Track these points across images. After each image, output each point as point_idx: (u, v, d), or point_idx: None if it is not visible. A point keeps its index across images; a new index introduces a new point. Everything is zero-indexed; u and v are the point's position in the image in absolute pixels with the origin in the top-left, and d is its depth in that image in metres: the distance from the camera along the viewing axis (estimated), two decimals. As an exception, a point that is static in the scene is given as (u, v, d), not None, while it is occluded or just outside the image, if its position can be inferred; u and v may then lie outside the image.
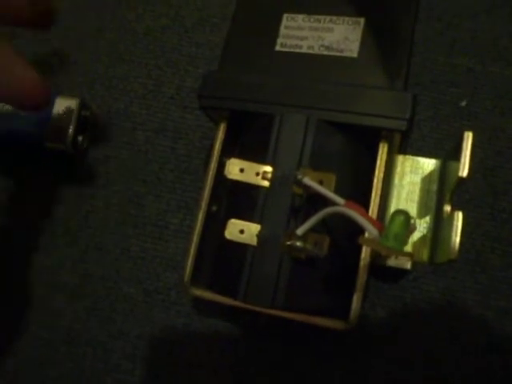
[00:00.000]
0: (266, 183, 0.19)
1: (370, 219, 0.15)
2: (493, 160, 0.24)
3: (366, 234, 0.16)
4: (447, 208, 0.17)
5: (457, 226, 0.15)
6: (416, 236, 0.19)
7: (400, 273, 0.23)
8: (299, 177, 0.18)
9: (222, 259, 0.20)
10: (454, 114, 0.25)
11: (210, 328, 0.23)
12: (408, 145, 0.23)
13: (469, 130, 0.17)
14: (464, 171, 0.15)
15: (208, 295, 0.20)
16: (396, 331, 0.22)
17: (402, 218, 0.14)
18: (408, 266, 0.21)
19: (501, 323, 0.22)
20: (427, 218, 0.19)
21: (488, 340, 0.22)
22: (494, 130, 0.24)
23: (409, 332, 0.22)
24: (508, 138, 0.24)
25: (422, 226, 0.19)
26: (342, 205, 0.16)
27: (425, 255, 0.18)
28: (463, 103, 0.25)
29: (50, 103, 0.19)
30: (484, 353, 0.22)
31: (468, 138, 0.16)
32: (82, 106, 0.25)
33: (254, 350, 0.23)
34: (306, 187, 0.18)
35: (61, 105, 0.25)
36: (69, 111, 0.25)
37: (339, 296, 0.19)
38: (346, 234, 0.18)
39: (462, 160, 0.15)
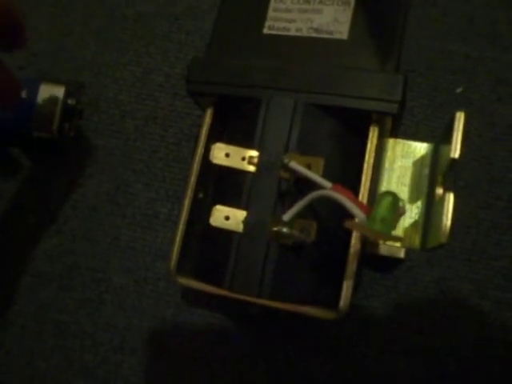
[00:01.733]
0: (252, 168, 0.18)
1: (357, 203, 0.15)
2: (489, 147, 0.23)
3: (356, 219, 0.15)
4: (439, 191, 0.17)
5: (447, 208, 0.14)
6: (407, 222, 0.18)
7: (394, 262, 0.22)
8: (286, 161, 0.17)
9: (208, 247, 0.19)
10: (450, 101, 0.24)
11: (200, 319, 0.23)
12: (401, 132, 0.23)
13: (459, 113, 0.16)
14: (456, 152, 0.15)
15: (194, 284, 0.19)
16: (390, 321, 0.22)
17: (389, 199, 0.14)
18: (401, 254, 0.20)
19: (496, 313, 0.21)
20: (419, 203, 0.18)
21: (484, 329, 0.21)
22: (490, 116, 0.24)
23: (403, 322, 0.22)
24: (504, 124, 0.24)
25: (413, 212, 0.18)
26: (328, 188, 0.16)
27: (417, 241, 0.18)
28: (459, 90, 0.25)
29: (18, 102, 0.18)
30: (480, 342, 0.21)
31: (460, 118, 0.15)
32: (68, 93, 0.25)
33: (245, 340, 0.22)
34: (293, 172, 0.17)
35: (46, 92, 0.24)
36: (54, 99, 0.24)
37: (329, 284, 0.19)
38: (335, 220, 0.18)
39: (454, 141, 0.15)
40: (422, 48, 0.25)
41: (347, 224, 0.15)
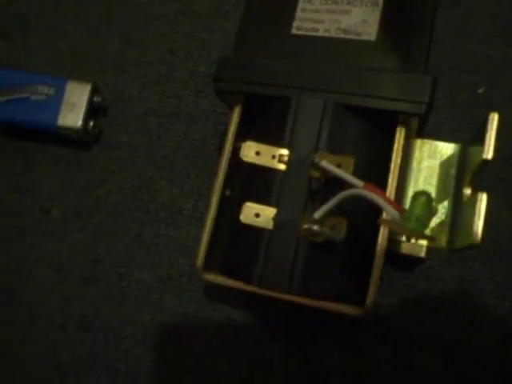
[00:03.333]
0: (282, 166, 0.19)
1: (389, 201, 0.15)
2: (510, 148, 0.24)
3: (385, 216, 0.16)
4: (467, 191, 0.17)
5: (480, 209, 0.14)
6: (434, 222, 0.18)
7: (414, 261, 0.22)
8: (316, 160, 0.18)
9: (237, 243, 0.20)
10: (472, 101, 0.25)
11: (222, 315, 0.23)
12: (425, 131, 0.23)
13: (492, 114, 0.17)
14: (489, 153, 0.15)
15: (221, 280, 0.19)
16: (409, 320, 0.22)
17: (423, 199, 0.14)
18: (422, 253, 0.21)
19: (517, 314, 0.22)
20: (445, 203, 0.18)
21: (503, 331, 0.22)
22: (510, 117, 0.24)
23: (422, 321, 0.22)
24: (526, 125, 0.24)
25: (440, 211, 0.18)
26: (360, 187, 0.16)
27: (443, 241, 0.18)
28: (481, 90, 0.25)
29: None
30: (499, 343, 0.21)
31: (493, 120, 0.15)
32: (94, 91, 0.25)
33: (267, 337, 0.23)
34: (324, 170, 0.18)
35: (72, 90, 0.25)
36: (81, 96, 0.25)
37: (356, 281, 0.19)
38: (364, 218, 0.18)
39: (487, 142, 0.15)
40: (445, 48, 0.26)
41: (382, 222, 0.15)
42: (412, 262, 0.23)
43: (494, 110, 0.24)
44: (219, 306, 0.23)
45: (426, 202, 0.14)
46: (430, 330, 0.22)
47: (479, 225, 0.14)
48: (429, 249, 0.20)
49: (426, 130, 0.24)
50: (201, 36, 0.28)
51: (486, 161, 0.15)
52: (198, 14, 0.28)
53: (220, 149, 0.22)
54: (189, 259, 0.24)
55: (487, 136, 0.15)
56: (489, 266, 0.22)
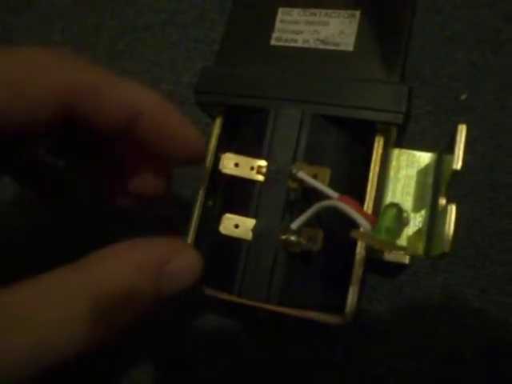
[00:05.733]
0: (260, 178, 0.19)
1: (362, 213, 0.15)
2: (492, 154, 0.24)
3: (361, 228, 0.16)
4: (442, 201, 0.17)
5: (450, 219, 0.15)
6: (411, 229, 0.19)
7: (398, 267, 0.23)
8: (294, 171, 0.18)
9: (217, 254, 0.20)
10: (454, 108, 0.25)
11: (207, 323, 0.24)
12: (406, 139, 0.23)
13: (468, 124, 0.17)
14: (458, 164, 0.15)
15: (203, 290, 0.20)
16: (394, 326, 0.22)
17: (393, 211, 0.14)
18: (406, 260, 0.21)
19: (501, 318, 0.22)
20: (423, 212, 0.19)
21: (488, 335, 0.22)
22: (494, 123, 0.24)
23: (407, 327, 0.22)
24: (508, 131, 0.24)
25: (417, 220, 0.18)
26: (335, 199, 0.16)
27: (420, 249, 0.18)
28: (463, 97, 0.25)
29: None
30: (484, 348, 0.22)
31: (462, 131, 0.16)
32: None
33: (252, 345, 0.23)
34: (301, 181, 0.18)
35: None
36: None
37: (335, 290, 0.19)
38: (341, 228, 0.18)
39: (456, 153, 0.15)
40: (427, 55, 0.26)
41: (353, 234, 0.15)
42: (396, 268, 0.23)
43: (476, 117, 0.24)
44: (205, 315, 0.24)
45: (397, 214, 0.14)
46: (416, 335, 0.22)
47: (449, 234, 0.14)
48: (410, 255, 0.20)
49: (409, 137, 0.24)
50: (186, 46, 0.28)
51: (456, 171, 0.15)
52: (183, 24, 0.28)
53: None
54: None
55: (456, 147, 0.15)
56: (471, 270, 0.23)
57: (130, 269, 0.15)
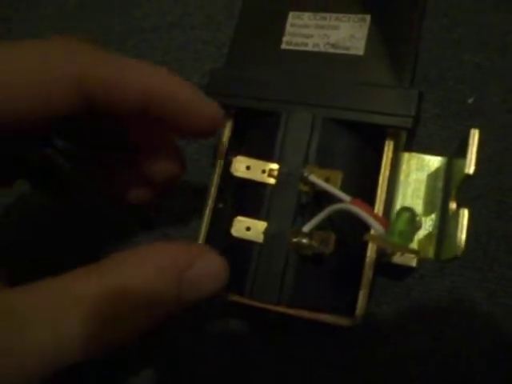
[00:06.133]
0: (272, 181, 0.19)
1: (375, 216, 0.15)
2: (500, 157, 0.24)
3: (372, 231, 0.16)
4: (453, 205, 0.17)
5: (462, 224, 0.15)
6: (422, 233, 0.19)
7: (406, 270, 0.23)
8: (305, 174, 0.18)
9: (229, 256, 0.20)
10: (462, 111, 0.25)
11: (214, 323, 0.24)
12: (414, 142, 0.23)
13: (476, 127, 0.17)
14: (470, 168, 0.15)
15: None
16: (402, 329, 0.22)
17: (407, 214, 0.14)
18: (414, 263, 0.21)
19: (509, 321, 0.22)
20: (433, 215, 0.19)
21: (496, 338, 0.22)
22: (501, 126, 0.24)
23: (415, 330, 0.22)
24: (515, 135, 0.24)
25: (427, 223, 0.19)
26: (347, 202, 0.16)
27: (431, 252, 0.18)
28: (470, 100, 0.25)
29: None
30: (492, 351, 0.22)
31: (474, 136, 0.16)
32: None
33: (259, 346, 0.23)
34: (313, 184, 0.18)
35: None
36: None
37: (345, 293, 0.19)
38: (353, 231, 0.18)
39: (469, 157, 0.15)
40: (434, 58, 0.26)
41: (367, 237, 0.15)
42: (404, 271, 0.23)
43: (484, 120, 0.25)
44: (214, 315, 0.24)
45: (410, 218, 0.14)
46: (423, 338, 0.22)
47: (462, 238, 0.15)
48: (420, 259, 0.20)
49: (416, 141, 0.24)
50: (194, 48, 0.28)
51: (469, 175, 0.15)
52: (191, 26, 0.29)
53: (214, 162, 0.22)
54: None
55: (469, 151, 0.15)
56: (479, 273, 0.23)
57: (150, 272, 0.14)
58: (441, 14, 0.27)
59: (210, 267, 0.16)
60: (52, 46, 0.16)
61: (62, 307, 0.13)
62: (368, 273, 0.18)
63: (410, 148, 0.21)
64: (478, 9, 0.26)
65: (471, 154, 0.15)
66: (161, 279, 0.15)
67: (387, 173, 0.19)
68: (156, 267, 0.15)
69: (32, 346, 0.13)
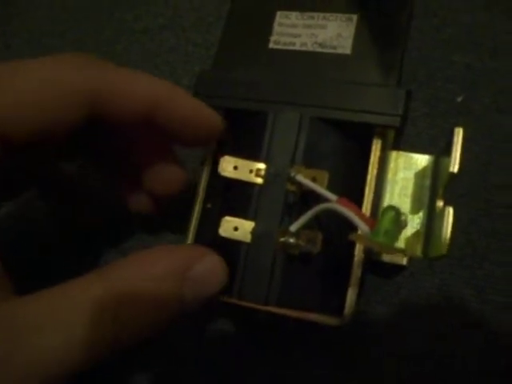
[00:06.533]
0: (259, 180, 0.19)
1: (361, 216, 0.15)
2: (488, 155, 0.24)
3: (359, 231, 0.16)
4: (439, 203, 0.17)
5: (447, 222, 0.15)
6: (409, 231, 0.19)
7: (396, 269, 0.23)
8: (292, 174, 0.18)
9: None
10: (450, 110, 0.25)
11: (207, 324, 0.24)
12: (402, 141, 0.23)
13: (462, 126, 0.17)
14: (455, 167, 0.15)
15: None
16: (392, 327, 0.22)
17: (392, 213, 0.14)
18: (403, 261, 0.21)
19: (498, 318, 0.22)
20: (420, 214, 0.19)
21: (486, 335, 0.22)
22: (490, 126, 0.24)
23: (405, 328, 0.22)
24: (504, 133, 0.24)
25: (415, 222, 0.19)
26: (333, 201, 0.16)
27: (418, 250, 0.18)
28: (459, 99, 0.25)
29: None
30: (482, 348, 0.22)
31: (458, 134, 0.16)
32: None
33: (251, 347, 0.23)
34: (300, 184, 0.18)
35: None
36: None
37: (334, 292, 0.19)
38: (340, 230, 0.18)
39: (453, 155, 0.16)
40: (423, 57, 0.26)
41: (352, 237, 0.15)
42: (394, 269, 0.23)
43: (472, 119, 0.25)
44: (203, 317, 0.24)
45: (395, 217, 0.14)
46: (413, 335, 0.22)
47: (447, 237, 0.15)
48: (408, 256, 0.21)
49: (405, 139, 0.24)
50: (184, 50, 0.28)
51: (453, 174, 0.15)
52: (181, 28, 0.29)
53: (202, 162, 0.22)
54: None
55: (453, 150, 0.15)
56: (468, 270, 0.23)
57: (153, 276, 0.15)
58: (431, 14, 0.27)
59: (209, 266, 0.16)
60: (63, 62, 0.16)
61: (67, 314, 0.13)
62: (356, 272, 0.18)
63: (397, 146, 0.21)
64: (468, 9, 0.26)
65: (455, 152, 0.16)
66: (163, 282, 0.15)
67: (375, 172, 0.19)
68: (158, 270, 0.15)
69: (45, 353, 0.13)
